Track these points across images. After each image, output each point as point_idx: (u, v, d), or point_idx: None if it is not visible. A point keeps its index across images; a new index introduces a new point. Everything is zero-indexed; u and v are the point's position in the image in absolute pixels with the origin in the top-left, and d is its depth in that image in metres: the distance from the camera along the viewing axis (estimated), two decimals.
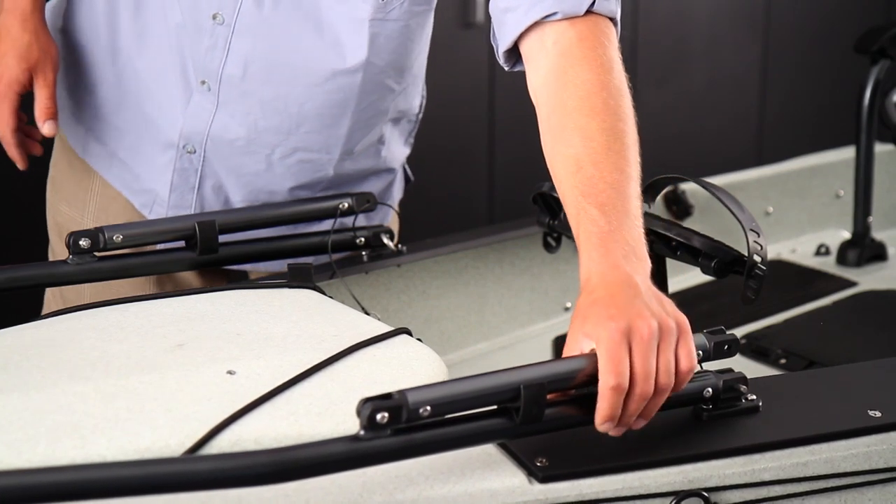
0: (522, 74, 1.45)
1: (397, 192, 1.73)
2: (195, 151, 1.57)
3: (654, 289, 1.15)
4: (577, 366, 1.08)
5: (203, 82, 1.53)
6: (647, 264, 1.18)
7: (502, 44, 1.42)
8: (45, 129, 1.55)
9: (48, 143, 1.73)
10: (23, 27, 1.52)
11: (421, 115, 1.72)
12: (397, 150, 1.70)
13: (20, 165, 1.59)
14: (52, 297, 1.70)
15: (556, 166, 1.30)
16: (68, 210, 1.66)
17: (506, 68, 1.45)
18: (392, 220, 1.73)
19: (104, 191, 1.64)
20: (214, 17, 1.50)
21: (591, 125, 1.28)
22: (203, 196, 1.59)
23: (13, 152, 1.58)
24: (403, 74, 1.59)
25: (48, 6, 1.70)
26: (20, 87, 1.54)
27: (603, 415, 1.07)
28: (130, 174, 1.62)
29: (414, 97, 1.67)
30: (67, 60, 1.61)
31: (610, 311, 1.09)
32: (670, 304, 1.14)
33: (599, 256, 1.16)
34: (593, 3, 1.36)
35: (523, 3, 1.37)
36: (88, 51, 1.60)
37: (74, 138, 1.65)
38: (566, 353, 1.11)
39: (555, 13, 1.35)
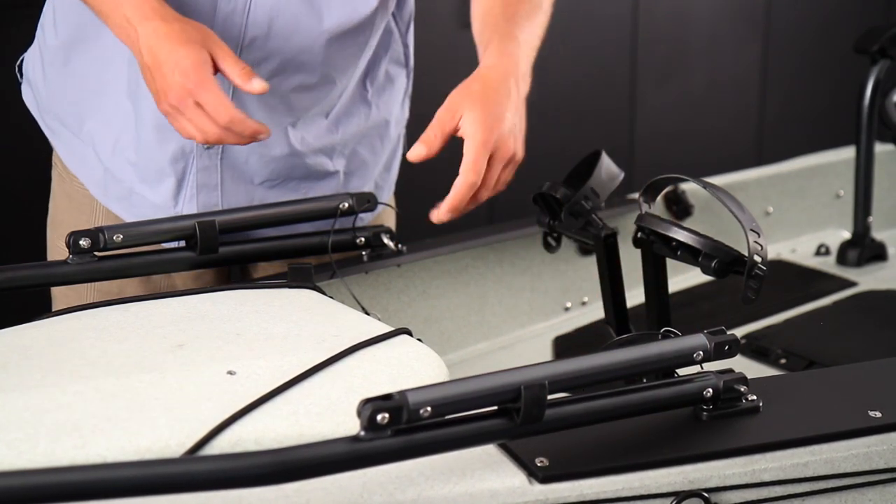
0: None
1: (397, 164, 1.75)
2: (213, 145, 1.56)
3: (521, 95, 1.47)
4: (580, 366, 1.08)
5: None
6: (528, 77, 1.51)
7: None
8: (255, 85, 1.39)
9: (45, 176, 1.72)
10: (165, 20, 1.42)
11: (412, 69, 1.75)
12: (393, 106, 1.72)
13: (265, 134, 1.42)
14: (61, 296, 1.69)
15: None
16: None
17: None
18: (388, 216, 1.74)
19: (108, 222, 1.62)
20: None
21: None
22: (226, 190, 1.59)
23: (251, 124, 1.39)
24: (403, 12, 1.64)
25: (30, 54, 1.69)
26: (210, 67, 1.39)
27: (454, 204, 1.39)
28: (149, 204, 1.60)
29: (409, 45, 1.71)
30: (82, 105, 1.59)
31: (489, 113, 1.40)
32: (521, 125, 1.45)
33: (499, 48, 1.48)
34: None
35: None
36: (105, 82, 1.58)
37: (93, 182, 1.64)
38: (441, 114, 1.42)
39: None
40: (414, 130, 1.79)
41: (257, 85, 1.39)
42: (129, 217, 1.61)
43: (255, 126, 1.40)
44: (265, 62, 1.54)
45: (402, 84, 1.72)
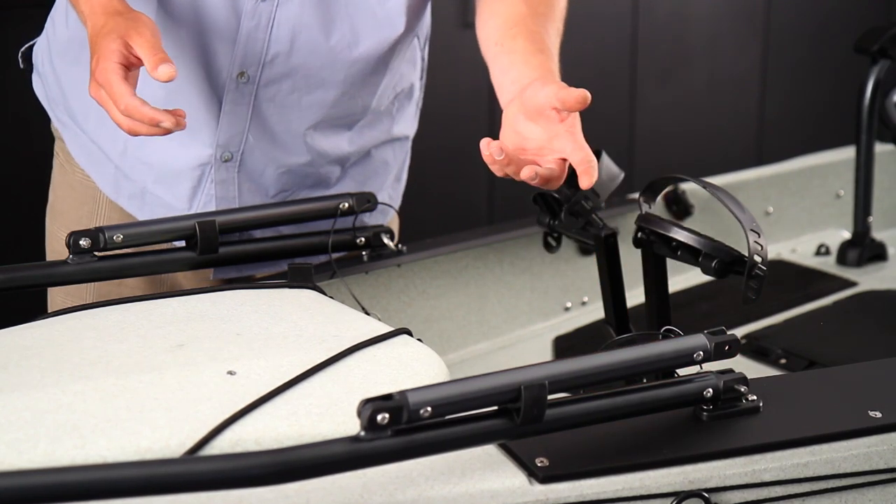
0: None
1: (405, 174, 1.75)
2: (231, 158, 1.57)
3: None
4: (580, 366, 1.09)
5: (241, 74, 1.52)
6: None
7: None
8: (160, 72, 1.32)
9: (47, 165, 1.72)
10: (106, 13, 1.40)
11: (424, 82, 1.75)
12: (410, 120, 1.72)
13: (169, 123, 1.34)
14: (60, 296, 1.69)
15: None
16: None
17: None
18: (392, 220, 1.73)
19: (111, 213, 1.63)
20: None
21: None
22: (243, 202, 1.59)
23: (147, 111, 1.33)
24: (423, 25, 1.63)
25: (39, 45, 1.68)
26: (119, 57, 1.35)
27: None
28: (163, 203, 1.60)
29: (425, 58, 1.72)
30: (91, 102, 1.59)
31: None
32: None
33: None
34: None
35: None
36: None
37: (104, 179, 1.63)
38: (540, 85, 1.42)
39: None
40: (416, 135, 1.78)
41: (162, 71, 1.32)
42: (140, 215, 1.61)
43: (151, 113, 1.33)
44: (287, 77, 1.54)
45: (417, 96, 1.73)
